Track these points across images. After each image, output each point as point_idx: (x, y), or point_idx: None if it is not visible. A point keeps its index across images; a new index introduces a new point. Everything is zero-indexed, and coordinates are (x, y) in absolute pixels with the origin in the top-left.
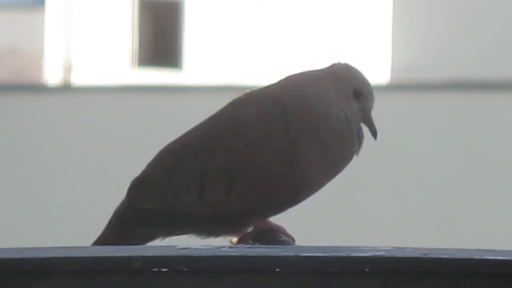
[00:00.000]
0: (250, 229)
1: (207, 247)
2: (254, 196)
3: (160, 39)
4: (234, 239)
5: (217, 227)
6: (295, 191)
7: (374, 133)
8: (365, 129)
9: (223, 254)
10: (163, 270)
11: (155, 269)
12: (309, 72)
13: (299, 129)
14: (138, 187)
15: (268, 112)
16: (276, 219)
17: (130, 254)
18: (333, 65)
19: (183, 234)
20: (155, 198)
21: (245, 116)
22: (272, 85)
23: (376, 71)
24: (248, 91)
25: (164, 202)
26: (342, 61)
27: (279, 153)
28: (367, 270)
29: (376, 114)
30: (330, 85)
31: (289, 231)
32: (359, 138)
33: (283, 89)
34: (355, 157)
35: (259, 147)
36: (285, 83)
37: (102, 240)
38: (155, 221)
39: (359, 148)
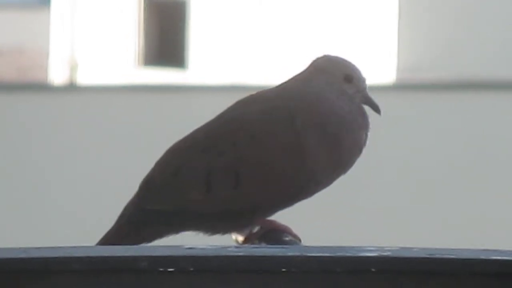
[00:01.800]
0: (256, 229)
1: (214, 247)
2: (261, 192)
3: (165, 38)
4: (240, 239)
5: (224, 224)
6: (302, 186)
7: (376, 109)
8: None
9: (230, 254)
10: (170, 270)
11: (161, 269)
12: (295, 77)
13: (305, 124)
14: (146, 188)
15: (274, 108)
16: (282, 219)
17: (137, 254)
18: (314, 61)
19: (189, 231)
20: (163, 199)
21: (251, 113)
22: (271, 89)
23: (382, 71)
24: (254, 92)
25: (171, 203)
26: (321, 54)
27: (286, 148)
28: (373, 270)
29: (381, 114)
30: (323, 81)
31: (295, 231)
32: (366, 128)
33: (283, 92)
34: (361, 157)
35: (264, 142)
36: (281, 89)
37: (108, 239)
38: (163, 221)
39: (366, 139)
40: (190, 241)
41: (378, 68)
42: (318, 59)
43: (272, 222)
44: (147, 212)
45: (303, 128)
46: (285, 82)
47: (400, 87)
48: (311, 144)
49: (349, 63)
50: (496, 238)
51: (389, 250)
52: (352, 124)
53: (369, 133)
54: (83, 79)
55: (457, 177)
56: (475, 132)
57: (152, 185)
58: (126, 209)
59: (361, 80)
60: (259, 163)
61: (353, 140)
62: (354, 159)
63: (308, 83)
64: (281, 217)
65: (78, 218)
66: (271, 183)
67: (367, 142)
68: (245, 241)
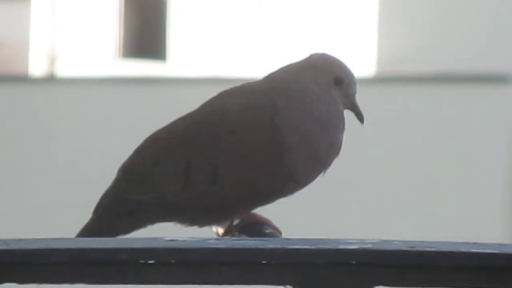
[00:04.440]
0: (236, 221)
1: (194, 239)
2: (238, 187)
3: (144, 30)
4: (221, 231)
5: (202, 217)
6: (280, 184)
7: (361, 118)
8: (348, 120)
9: (210, 246)
10: (150, 262)
11: (142, 261)
12: (287, 67)
13: (286, 121)
14: (124, 177)
15: (255, 104)
16: (263, 212)
17: (117, 246)
18: (311, 56)
19: (167, 222)
20: (141, 189)
21: (232, 107)
22: (257, 81)
23: (362, 63)
24: (237, 84)
25: (149, 193)
26: (320, 51)
27: (265, 144)
28: (354, 262)
29: (361, 107)
30: (311, 77)
31: (276, 223)
32: (342, 130)
33: (268, 85)
34: (341, 149)
35: (244, 137)
36: (267, 80)
37: (87, 230)
38: (140, 211)
39: (342, 140)
40: (171, 233)
41: (358, 60)
42: (314, 54)
43: (252, 214)
44: (125, 202)
45: (283, 127)
46: (275, 73)
47: (380, 80)
48: (290, 143)
49: (344, 66)
50: (477, 231)
51: (369, 243)
52: (328, 125)
53: (345, 134)
54: (62, 71)
55: (438, 169)
56: (455, 124)
57: (130, 175)
58: (103, 198)
59: (351, 85)
60: (238, 158)
61: (329, 140)
62: (331, 159)
63: (296, 78)
64: (261, 209)
65: (59, 209)
66: (249, 178)
67: (343, 143)
68: (226, 233)
